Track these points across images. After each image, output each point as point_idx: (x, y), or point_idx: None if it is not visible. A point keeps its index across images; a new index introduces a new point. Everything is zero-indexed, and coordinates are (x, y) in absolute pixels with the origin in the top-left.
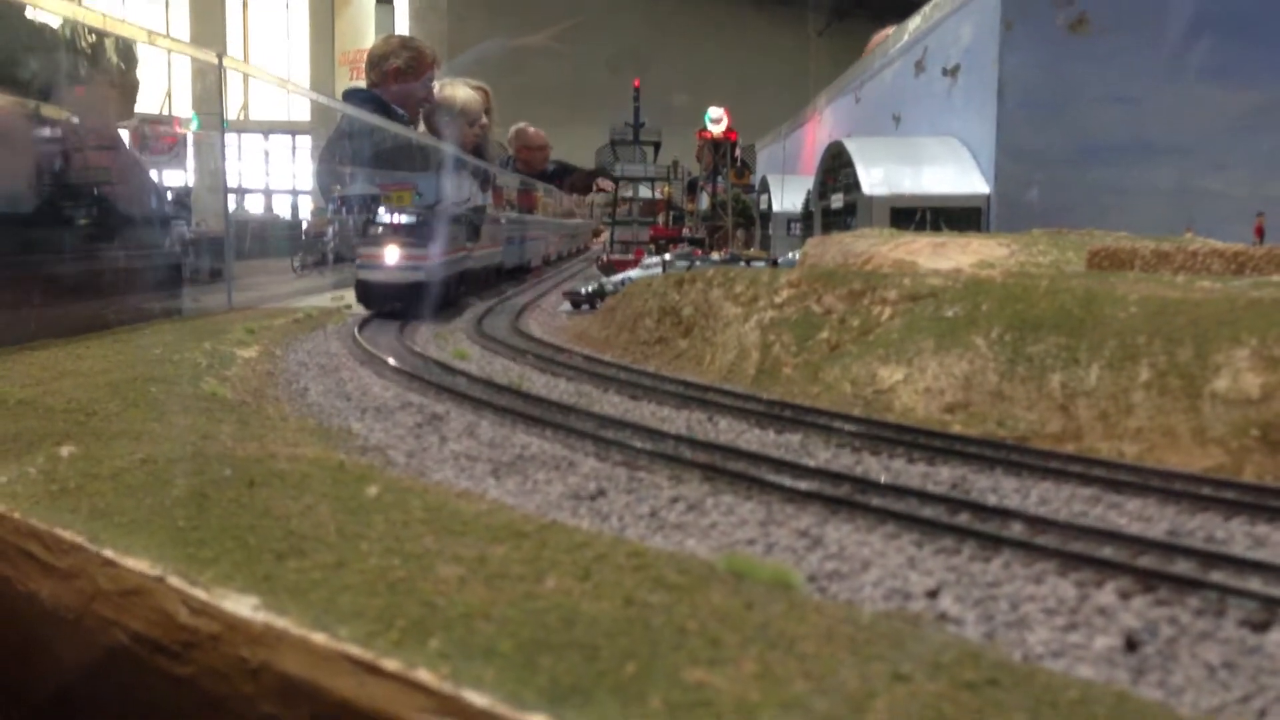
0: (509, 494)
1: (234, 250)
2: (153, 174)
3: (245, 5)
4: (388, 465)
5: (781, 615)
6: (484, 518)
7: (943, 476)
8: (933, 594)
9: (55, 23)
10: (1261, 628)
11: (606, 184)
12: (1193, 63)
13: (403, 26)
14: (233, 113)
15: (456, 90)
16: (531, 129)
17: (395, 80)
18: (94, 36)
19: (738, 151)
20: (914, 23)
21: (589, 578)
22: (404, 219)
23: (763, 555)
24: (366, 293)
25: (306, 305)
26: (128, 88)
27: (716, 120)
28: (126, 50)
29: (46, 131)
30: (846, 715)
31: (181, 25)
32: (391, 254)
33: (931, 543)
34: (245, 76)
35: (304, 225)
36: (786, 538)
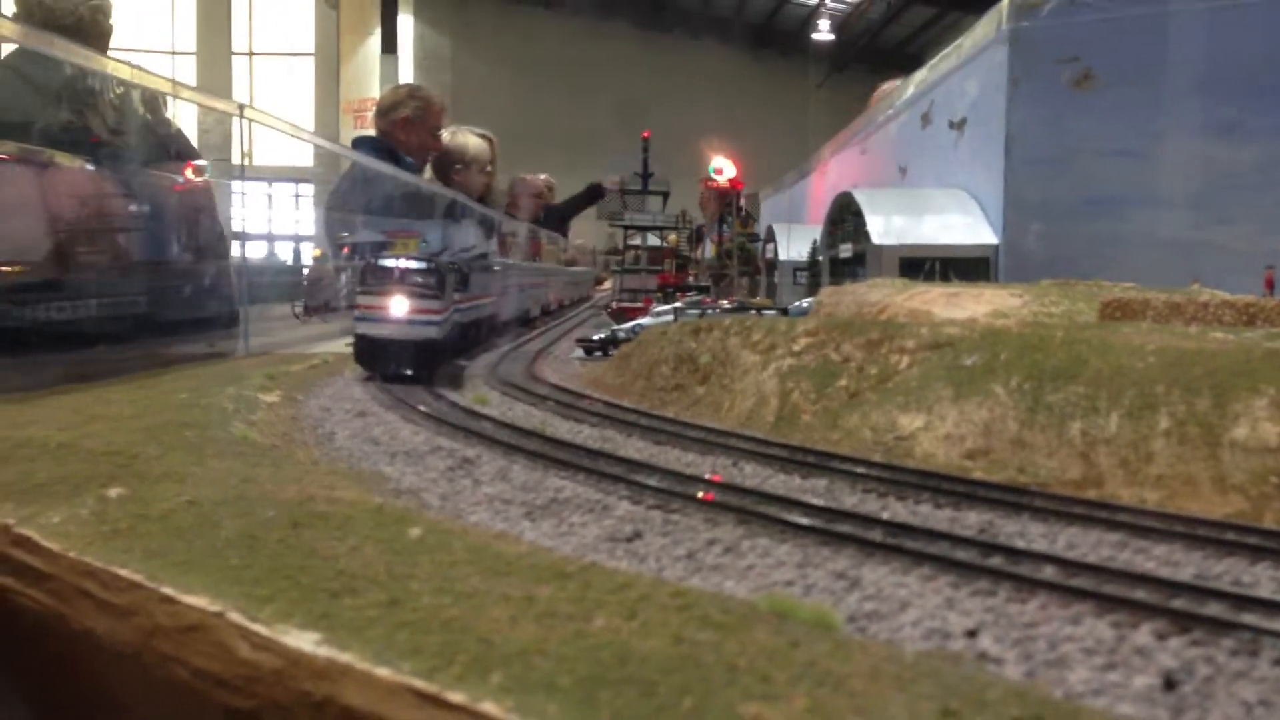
0: (545, 536)
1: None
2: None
3: (251, 56)
4: (423, 508)
5: (826, 654)
6: (525, 559)
7: (970, 521)
8: (972, 634)
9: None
10: None
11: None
12: (1196, 118)
13: (407, 76)
14: (239, 159)
15: (464, 138)
16: (528, 176)
17: (404, 129)
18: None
19: (742, 200)
20: (920, 76)
21: (635, 616)
22: (414, 265)
23: (801, 596)
24: (368, 350)
25: (321, 351)
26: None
27: (721, 170)
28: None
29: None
30: None
31: (188, 75)
32: (399, 305)
33: (967, 584)
34: (252, 124)
35: (305, 271)
36: (824, 579)
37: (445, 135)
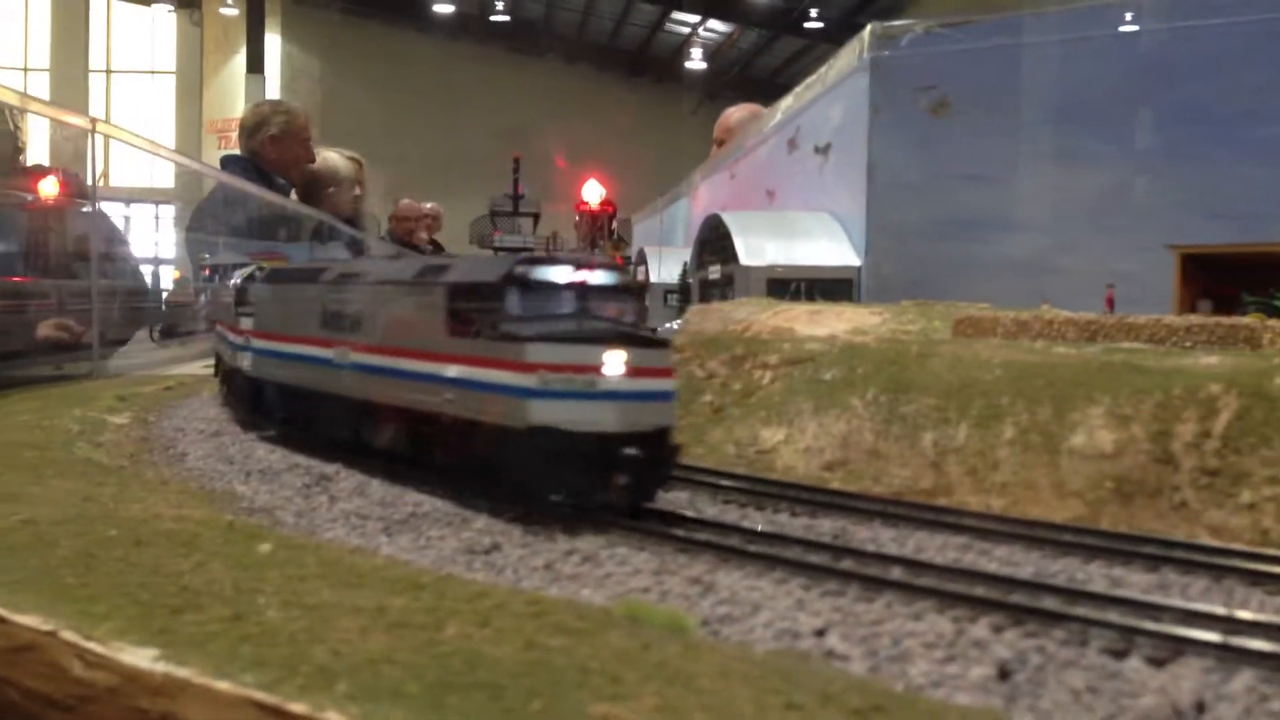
0: (403, 550)
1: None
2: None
3: (109, 73)
4: (277, 525)
5: (677, 655)
6: (379, 571)
7: (824, 528)
8: (820, 633)
9: None
10: (1120, 655)
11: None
12: (1046, 146)
13: (274, 96)
14: (91, 179)
15: (331, 159)
16: (405, 200)
17: (273, 146)
18: None
19: (614, 224)
20: (786, 102)
21: (489, 624)
22: (602, 278)
23: (657, 602)
24: (558, 459)
25: (176, 374)
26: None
27: (594, 193)
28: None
29: None
30: None
31: (41, 93)
32: (616, 363)
33: (818, 586)
34: (106, 141)
35: (163, 295)
36: (680, 585)
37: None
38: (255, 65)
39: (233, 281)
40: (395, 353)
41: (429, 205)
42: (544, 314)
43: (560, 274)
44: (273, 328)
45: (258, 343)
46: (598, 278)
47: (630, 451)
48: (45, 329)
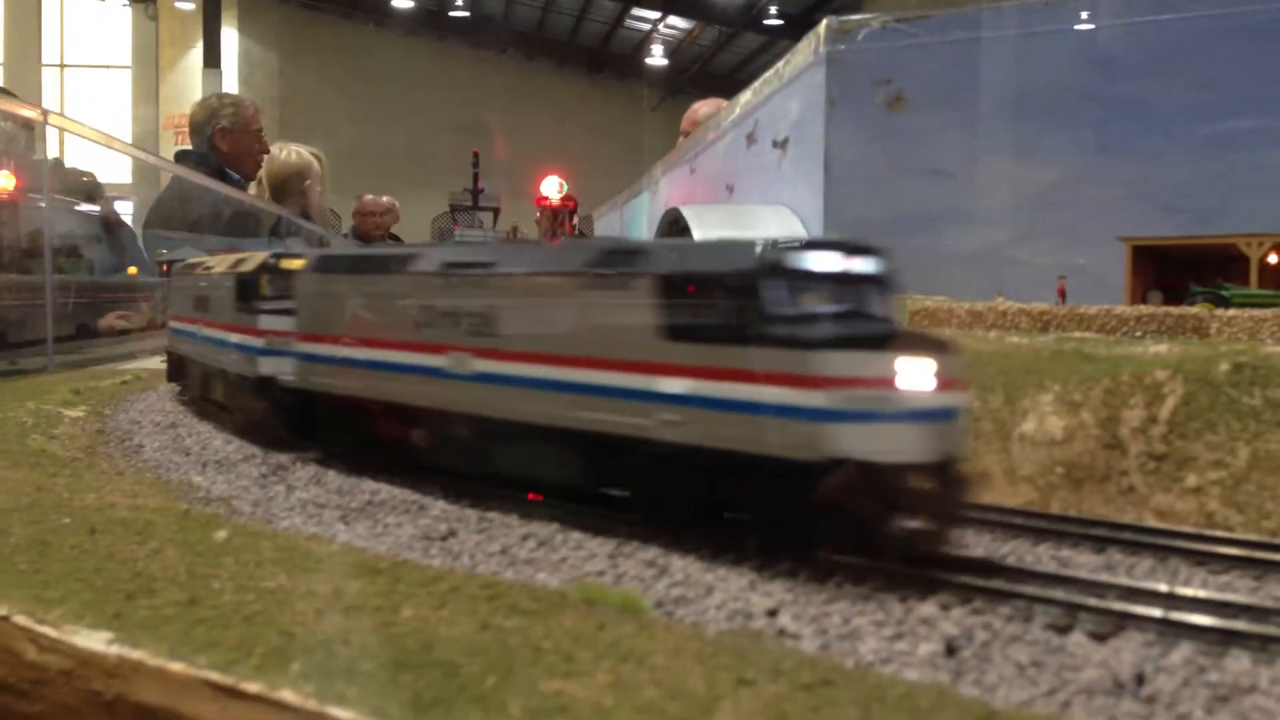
0: (360, 538)
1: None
2: None
3: (62, 67)
4: (233, 514)
5: (631, 634)
6: (336, 557)
7: None
8: (772, 613)
9: None
10: (1064, 631)
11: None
12: (1001, 141)
13: (231, 90)
14: (43, 172)
15: (290, 154)
16: (369, 195)
17: (224, 139)
18: None
19: (575, 219)
20: (745, 97)
21: (444, 606)
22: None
23: (612, 584)
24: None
25: (134, 367)
26: None
27: (554, 188)
28: None
29: None
30: (697, 715)
31: None
32: (915, 375)
33: (771, 568)
34: (61, 134)
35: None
36: (635, 568)
37: (274, 150)
38: (212, 59)
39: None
40: (569, 362)
41: (384, 199)
42: (814, 312)
43: (829, 261)
44: (328, 328)
45: (301, 346)
46: (864, 265)
47: (926, 486)
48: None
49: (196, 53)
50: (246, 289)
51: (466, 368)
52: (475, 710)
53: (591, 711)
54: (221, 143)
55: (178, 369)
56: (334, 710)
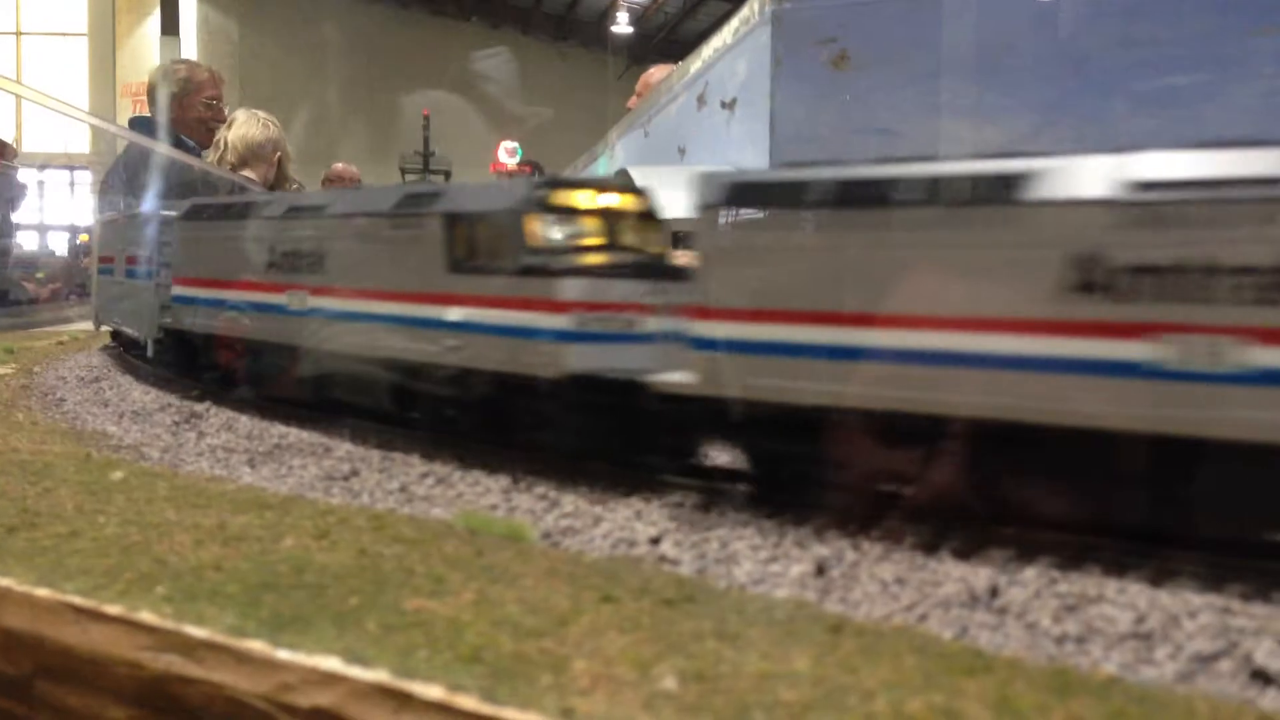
0: (264, 479)
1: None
2: None
3: (19, 35)
4: (141, 460)
5: (509, 560)
6: (230, 495)
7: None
8: (655, 540)
9: None
10: (931, 549)
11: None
12: (944, 99)
13: (190, 58)
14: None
15: (261, 123)
16: (340, 164)
17: (172, 106)
18: None
19: None
20: (696, 58)
21: (326, 536)
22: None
23: (504, 517)
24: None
25: (71, 329)
26: None
27: (511, 152)
28: None
29: None
30: (552, 627)
31: None
32: None
33: (659, 498)
34: (18, 102)
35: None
36: (528, 502)
37: (241, 117)
38: (170, 27)
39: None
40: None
41: (353, 168)
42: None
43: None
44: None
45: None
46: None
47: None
48: None
49: (154, 20)
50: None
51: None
52: (331, 626)
53: (446, 625)
54: (170, 109)
55: (191, 351)
56: (190, 628)
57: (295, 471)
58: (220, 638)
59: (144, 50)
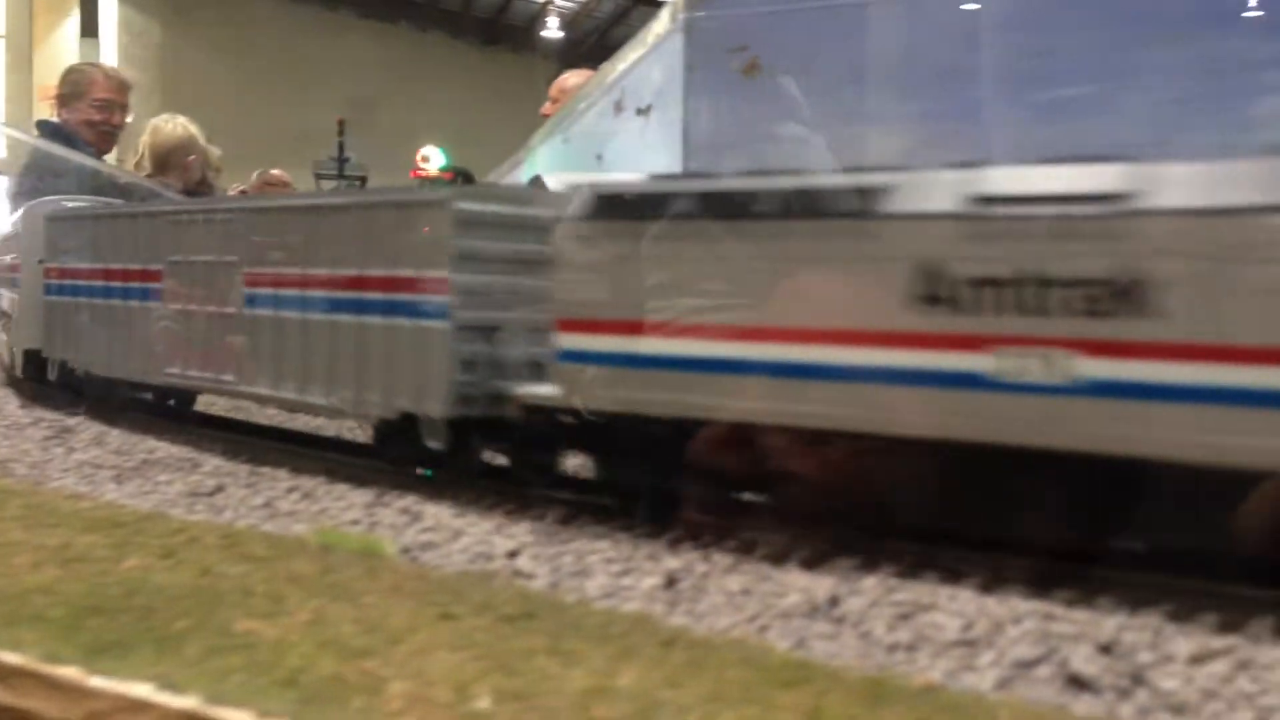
0: (128, 496)
1: None
2: None
3: None
4: (6, 476)
5: (356, 577)
6: (84, 513)
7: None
8: (513, 554)
9: None
10: (779, 560)
11: None
12: (854, 108)
13: (110, 62)
14: None
15: (174, 126)
16: (274, 170)
17: (65, 109)
18: None
19: None
20: (612, 65)
21: (173, 556)
22: None
23: (366, 532)
24: None
25: None
26: None
27: (428, 158)
28: None
29: None
30: (382, 647)
31: None
32: None
33: (521, 512)
34: None
35: None
36: (390, 516)
37: (162, 122)
38: (89, 29)
39: None
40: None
41: (276, 172)
42: None
43: None
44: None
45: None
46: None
47: None
48: None
49: (74, 21)
50: None
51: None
52: (152, 651)
53: (272, 647)
54: (65, 112)
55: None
56: (3, 655)
57: (160, 487)
58: (34, 664)
59: (63, 52)
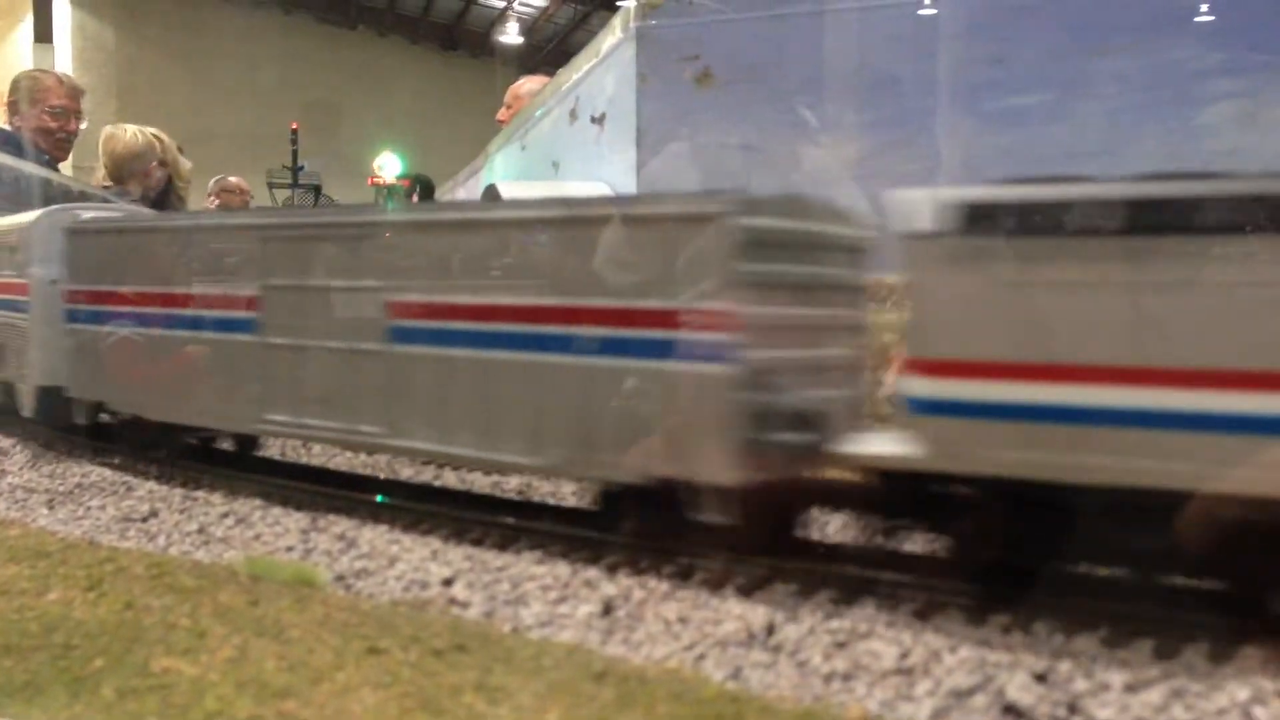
0: (60, 521)
1: None
2: None
3: None
4: None
5: (284, 609)
6: (13, 541)
7: (511, 484)
8: (448, 582)
9: None
10: (717, 586)
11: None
12: (804, 117)
13: (64, 67)
14: None
15: (131, 134)
16: (234, 177)
17: (15, 116)
18: None
19: (414, 198)
20: (567, 73)
21: (97, 588)
22: None
23: (300, 559)
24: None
25: None
26: None
27: (384, 165)
28: None
29: None
30: (301, 685)
31: None
32: None
33: (457, 538)
34: None
35: None
36: (325, 542)
37: (111, 130)
38: (43, 34)
39: None
40: None
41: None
42: None
43: None
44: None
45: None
46: None
47: None
48: None
49: (27, 26)
50: None
51: None
52: (64, 693)
53: (189, 688)
54: (15, 119)
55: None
56: None
57: (93, 513)
58: None
59: (15, 58)
